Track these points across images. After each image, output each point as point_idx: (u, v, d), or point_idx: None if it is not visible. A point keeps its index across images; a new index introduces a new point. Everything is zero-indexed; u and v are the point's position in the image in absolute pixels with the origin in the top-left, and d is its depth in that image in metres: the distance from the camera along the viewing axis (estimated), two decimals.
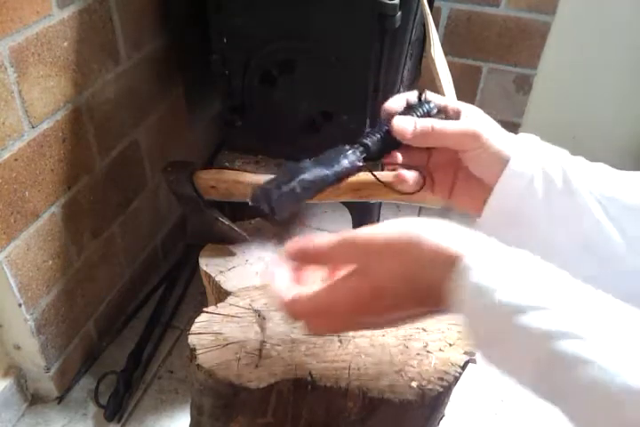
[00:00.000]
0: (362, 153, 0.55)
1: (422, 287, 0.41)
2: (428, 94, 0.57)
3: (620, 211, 0.48)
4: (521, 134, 0.54)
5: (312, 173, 0.53)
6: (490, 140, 0.51)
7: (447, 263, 0.40)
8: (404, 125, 0.54)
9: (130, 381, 1.22)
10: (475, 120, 0.54)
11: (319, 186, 0.53)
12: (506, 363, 0.39)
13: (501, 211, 0.51)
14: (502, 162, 0.51)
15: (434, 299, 0.41)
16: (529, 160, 0.50)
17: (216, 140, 1.58)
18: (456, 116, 0.56)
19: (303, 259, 0.48)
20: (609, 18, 1.57)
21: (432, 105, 0.57)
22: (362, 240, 0.44)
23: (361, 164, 0.55)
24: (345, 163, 0.54)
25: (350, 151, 0.55)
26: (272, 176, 0.55)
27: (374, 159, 0.56)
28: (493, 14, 1.60)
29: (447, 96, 0.59)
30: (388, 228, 0.44)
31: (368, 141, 0.55)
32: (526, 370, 0.37)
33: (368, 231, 0.44)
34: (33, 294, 1.06)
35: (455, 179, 0.57)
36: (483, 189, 0.53)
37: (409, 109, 0.57)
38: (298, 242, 0.47)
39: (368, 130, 0.57)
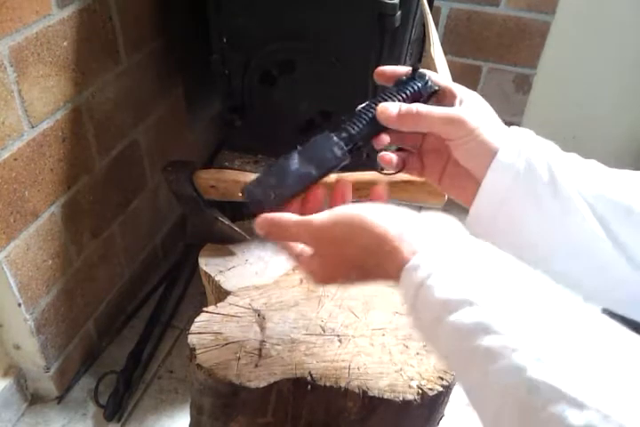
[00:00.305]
0: (347, 144, 0.54)
1: (371, 266, 0.47)
2: (427, 73, 0.55)
3: (606, 208, 0.47)
4: (513, 127, 0.52)
5: (298, 171, 0.53)
6: (478, 130, 0.49)
7: (390, 252, 0.44)
8: (389, 110, 0.52)
9: (130, 380, 1.22)
10: (468, 107, 0.52)
11: (305, 184, 0.54)
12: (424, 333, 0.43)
13: (490, 204, 0.50)
14: (490, 154, 0.49)
15: (383, 275, 0.46)
16: (517, 153, 0.49)
17: (216, 140, 1.58)
18: (451, 99, 0.54)
19: (270, 233, 0.52)
20: (609, 17, 1.57)
21: (428, 83, 0.54)
22: (315, 225, 0.49)
23: (347, 159, 0.54)
24: (331, 160, 0.53)
25: (336, 146, 0.54)
26: (260, 175, 0.55)
27: (363, 145, 0.55)
28: (493, 14, 1.60)
29: (445, 78, 0.56)
30: (338, 213, 0.48)
31: (353, 130, 0.54)
32: (440, 339, 0.40)
33: (322, 216, 0.49)
34: (33, 294, 1.06)
35: (446, 164, 0.55)
36: (471, 180, 0.52)
37: (400, 84, 0.55)
38: (267, 217, 0.51)
39: (357, 109, 0.55)
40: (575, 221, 0.48)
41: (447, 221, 0.46)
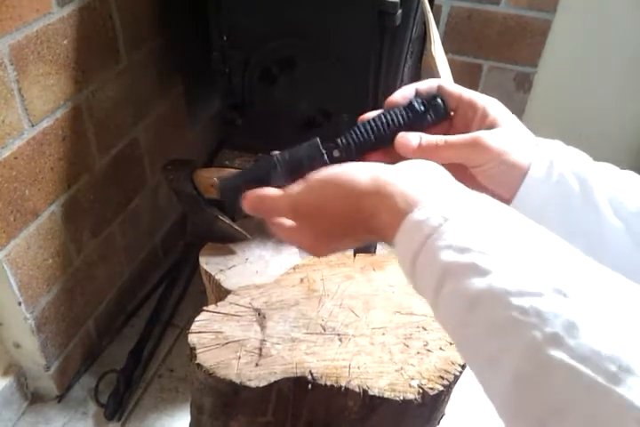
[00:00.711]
0: (330, 155, 0.52)
1: (357, 225, 0.44)
2: (442, 88, 0.52)
3: None
4: (541, 140, 0.49)
5: (276, 175, 0.52)
6: (505, 155, 0.46)
7: (377, 206, 0.42)
8: (410, 141, 0.50)
9: (130, 379, 1.22)
10: (492, 125, 0.49)
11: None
12: (418, 284, 0.40)
13: None
14: (518, 175, 0.47)
15: (373, 232, 0.44)
16: (547, 172, 0.46)
17: (216, 139, 1.57)
18: (472, 112, 0.51)
19: (255, 209, 0.51)
20: (609, 16, 1.57)
21: (440, 110, 0.52)
22: (293, 194, 0.47)
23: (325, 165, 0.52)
24: (306, 166, 0.52)
25: (319, 155, 0.52)
26: (239, 171, 0.55)
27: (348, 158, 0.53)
28: (494, 12, 1.60)
29: (466, 90, 0.53)
30: (313, 178, 0.47)
31: (343, 141, 0.53)
32: (429, 286, 0.38)
33: (299, 185, 0.47)
34: (33, 293, 1.06)
35: (465, 182, 0.53)
36: (497, 196, 0.48)
37: (411, 107, 0.52)
38: (253, 193, 0.50)
39: (358, 124, 0.54)
40: (608, 237, 0.46)
41: (431, 167, 0.44)
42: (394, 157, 0.51)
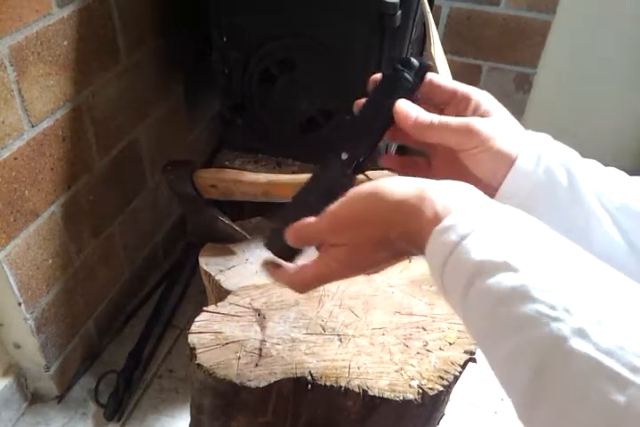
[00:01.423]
0: (350, 165, 0.52)
1: (395, 238, 0.44)
2: (433, 81, 0.52)
3: (627, 217, 0.46)
4: (529, 132, 0.50)
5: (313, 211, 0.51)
6: (493, 140, 0.47)
7: (413, 215, 0.42)
8: (409, 113, 0.50)
9: (130, 380, 1.22)
10: (484, 113, 0.50)
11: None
12: (447, 283, 0.41)
13: None
14: (505, 162, 0.47)
15: (408, 243, 0.44)
16: (536, 160, 0.47)
17: (216, 139, 1.57)
18: (465, 103, 0.51)
19: (299, 239, 0.50)
20: (609, 16, 1.57)
21: (418, 69, 0.51)
22: (332, 211, 0.47)
23: (353, 179, 0.52)
24: (340, 188, 0.51)
25: (341, 174, 0.52)
26: (275, 224, 0.54)
27: (364, 159, 0.52)
28: (493, 13, 1.60)
29: (457, 82, 0.53)
30: (352, 193, 0.47)
31: (354, 149, 0.52)
32: (459, 284, 0.39)
33: (337, 202, 0.47)
34: (33, 293, 1.06)
35: (457, 168, 0.52)
36: (486, 186, 0.49)
37: (389, 79, 0.51)
38: (293, 227, 0.50)
39: (355, 116, 0.52)
40: (595, 229, 0.46)
41: (465, 186, 0.44)
42: (400, 138, 0.53)
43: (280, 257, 0.54)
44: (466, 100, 0.51)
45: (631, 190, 0.47)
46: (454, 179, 0.49)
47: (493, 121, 0.49)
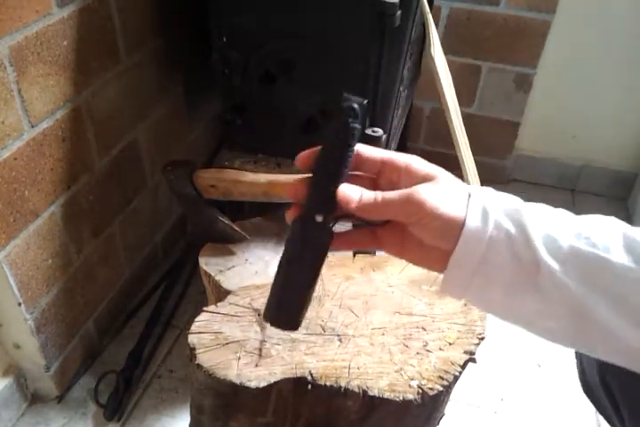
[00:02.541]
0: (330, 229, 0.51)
1: None
2: (361, 154, 0.50)
3: (579, 262, 0.46)
4: (471, 188, 0.49)
5: (296, 282, 0.52)
6: (438, 209, 0.46)
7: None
8: (350, 195, 0.48)
9: (130, 380, 1.22)
10: (418, 178, 0.49)
11: (310, 285, 0.52)
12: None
13: (462, 274, 0.48)
14: (454, 227, 0.47)
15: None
16: (483, 221, 0.47)
17: (216, 140, 1.57)
18: (396, 173, 0.50)
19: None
20: (609, 17, 1.58)
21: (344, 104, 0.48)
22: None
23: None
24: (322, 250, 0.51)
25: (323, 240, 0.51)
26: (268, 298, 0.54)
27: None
28: (493, 13, 1.60)
29: (380, 151, 0.52)
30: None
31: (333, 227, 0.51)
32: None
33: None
34: (33, 294, 1.06)
35: (404, 237, 0.51)
36: (436, 251, 0.49)
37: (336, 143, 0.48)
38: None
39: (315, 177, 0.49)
40: (545, 279, 0.46)
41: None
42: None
43: (278, 327, 0.54)
44: (395, 168, 0.50)
45: (580, 232, 0.47)
46: (402, 246, 0.51)
47: (435, 187, 0.48)
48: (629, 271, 0.45)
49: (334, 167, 0.49)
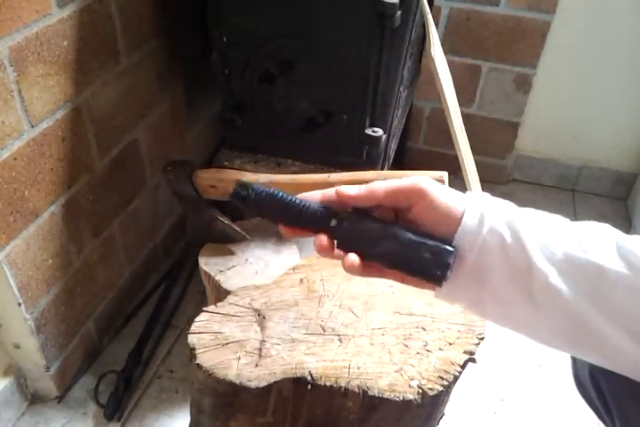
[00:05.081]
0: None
1: None
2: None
3: (575, 269, 0.47)
4: (470, 193, 0.52)
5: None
6: (439, 199, 0.49)
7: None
8: (347, 190, 0.52)
9: (130, 380, 1.22)
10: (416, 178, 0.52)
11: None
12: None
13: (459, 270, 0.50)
14: (453, 218, 0.49)
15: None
16: (479, 223, 0.48)
17: (216, 140, 1.57)
18: (415, 196, 0.51)
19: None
20: (609, 17, 1.58)
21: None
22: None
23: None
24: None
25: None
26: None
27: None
28: (493, 13, 1.60)
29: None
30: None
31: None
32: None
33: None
34: (33, 294, 1.06)
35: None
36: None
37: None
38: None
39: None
40: (539, 283, 0.47)
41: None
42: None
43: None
44: (404, 192, 0.51)
45: (574, 239, 0.47)
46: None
47: (436, 182, 0.51)
48: (623, 278, 0.45)
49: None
